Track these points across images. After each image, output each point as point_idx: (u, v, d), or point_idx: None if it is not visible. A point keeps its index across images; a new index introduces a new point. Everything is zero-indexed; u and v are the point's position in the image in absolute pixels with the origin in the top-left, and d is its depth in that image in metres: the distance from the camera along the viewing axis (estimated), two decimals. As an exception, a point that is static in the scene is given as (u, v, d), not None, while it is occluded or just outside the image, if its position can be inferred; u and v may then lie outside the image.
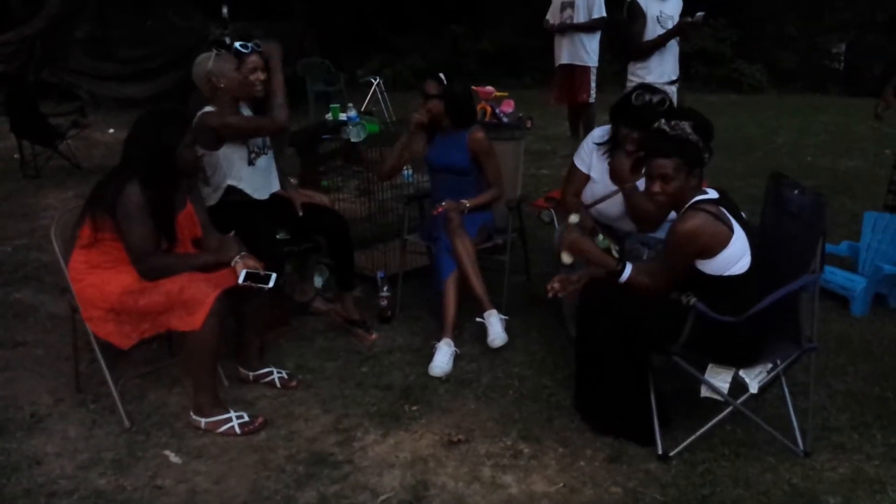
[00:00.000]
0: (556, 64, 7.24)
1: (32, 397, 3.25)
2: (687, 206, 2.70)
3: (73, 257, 2.97)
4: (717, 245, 2.62)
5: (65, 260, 3.02)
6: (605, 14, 6.93)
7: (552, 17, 7.19)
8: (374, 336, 3.79)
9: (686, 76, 7.29)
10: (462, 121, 3.93)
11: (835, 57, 16.22)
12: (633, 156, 3.34)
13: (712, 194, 2.72)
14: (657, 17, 5.14)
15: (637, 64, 5.21)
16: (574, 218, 3.11)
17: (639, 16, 5.13)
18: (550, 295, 3.03)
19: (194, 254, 3.07)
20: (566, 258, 3.09)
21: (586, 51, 7.00)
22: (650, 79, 4.98)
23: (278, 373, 3.34)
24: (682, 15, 5.23)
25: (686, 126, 2.71)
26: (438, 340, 3.54)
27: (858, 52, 15.46)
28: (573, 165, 3.69)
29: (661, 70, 5.18)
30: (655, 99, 3.27)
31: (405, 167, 5.14)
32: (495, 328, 3.61)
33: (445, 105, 3.88)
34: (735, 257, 2.64)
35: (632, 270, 2.84)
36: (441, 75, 3.91)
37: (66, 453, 2.85)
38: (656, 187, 2.71)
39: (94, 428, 3.02)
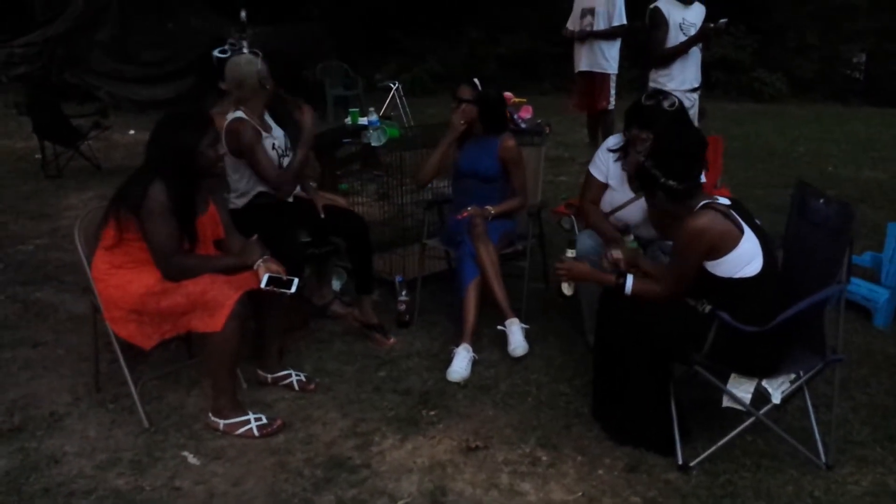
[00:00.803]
0: (576, 71, 7.23)
1: (52, 397, 3.27)
2: (698, 207, 2.70)
3: (96, 258, 2.99)
4: (725, 244, 2.60)
5: (87, 260, 3.04)
6: (625, 21, 6.91)
7: (572, 24, 7.17)
8: (392, 340, 3.78)
9: (706, 84, 7.25)
10: (494, 127, 3.93)
11: (855, 66, 16.10)
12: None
13: (723, 201, 2.72)
14: (679, 24, 5.11)
15: (659, 71, 5.17)
16: (570, 253, 3.18)
17: (661, 23, 5.10)
18: (559, 276, 3.13)
19: (217, 256, 3.08)
20: (567, 290, 3.20)
21: (606, 58, 6.99)
22: (672, 86, 4.96)
23: (296, 375, 3.34)
24: (705, 22, 5.20)
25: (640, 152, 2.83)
26: (457, 345, 3.53)
27: (878, 61, 15.35)
28: (589, 174, 3.68)
29: (683, 77, 5.15)
30: (666, 103, 3.29)
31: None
32: (517, 337, 3.60)
33: (480, 111, 3.88)
34: (745, 258, 2.62)
35: (635, 281, 2.86)
36: (476, 80, 3.91)
37: (85, 453, 2.85)
38: None
39: (114, 428, 3.02)
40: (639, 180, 2.82)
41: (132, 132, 9.33)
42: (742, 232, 2.62)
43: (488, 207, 3.83)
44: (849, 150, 8.98)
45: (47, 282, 4.62)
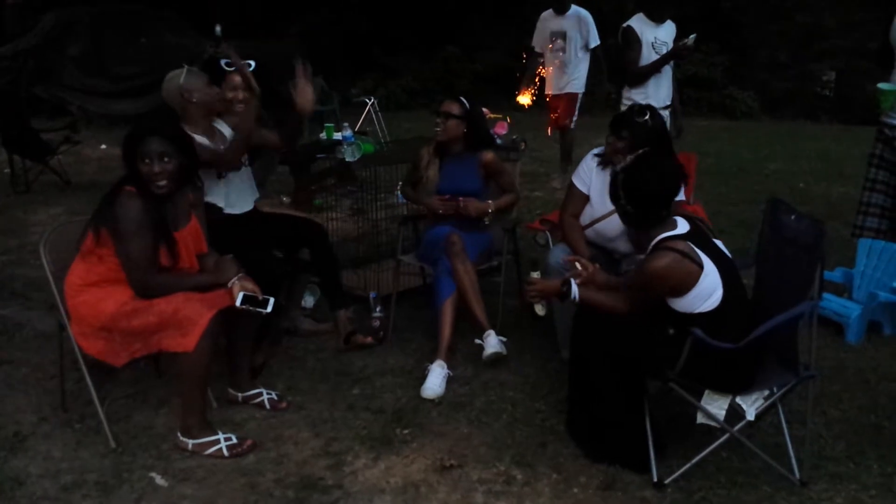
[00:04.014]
0: (546, 94, 7.23)
1: (16, 416, 3.19)
2: (654, 242, 2.69)
3: (70, 270, 2.93)
4: (685, 285, 2.61)
5: (53, 276, 2.97)
6: (598, 42, 7.00)
7: (538, 45, 7.16)
8: (380, 334, 3.81)
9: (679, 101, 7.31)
10: (479, 144, 3.92)
11: (825, 84, 16.35)
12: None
13: (682, 228, 2.71)
14: (652, 43, 5.16)
15: (633, 89, 5.22)
16: (535, 274, 3.21)
17: (634, 42, 5.15)
18: (531, 298, 3.13)
19: (191, 274, 3.02)
20: (540, 311, 3.31)
21: (574, 78, 7.03)
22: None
23: (268, 394, 3.29)
24: (676, 40, 5.25)
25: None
26: (431, 362, 3.50)
27: (848, 79, 15.60)
28: (572, 185, 3.68)
29: (657, 95, 5.19)
30: (642, 116, 3.40)
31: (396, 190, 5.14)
32: (492, 340, 3.60)
33: (467, 128, 3.87)
34: (705, 294, 2.62)
35: (584, 290, 2.88)
36: (462, 98, 3.91)
37: (50, 474, 2.78)
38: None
39: (79, 448, 2.95)
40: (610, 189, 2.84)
41: (104, 147, 9.24)
42: (702, 268, 2.61)
43: (489, 202, 3.84)
44: (819, 167, 9.10)
45: (13, 299, 4.53)
